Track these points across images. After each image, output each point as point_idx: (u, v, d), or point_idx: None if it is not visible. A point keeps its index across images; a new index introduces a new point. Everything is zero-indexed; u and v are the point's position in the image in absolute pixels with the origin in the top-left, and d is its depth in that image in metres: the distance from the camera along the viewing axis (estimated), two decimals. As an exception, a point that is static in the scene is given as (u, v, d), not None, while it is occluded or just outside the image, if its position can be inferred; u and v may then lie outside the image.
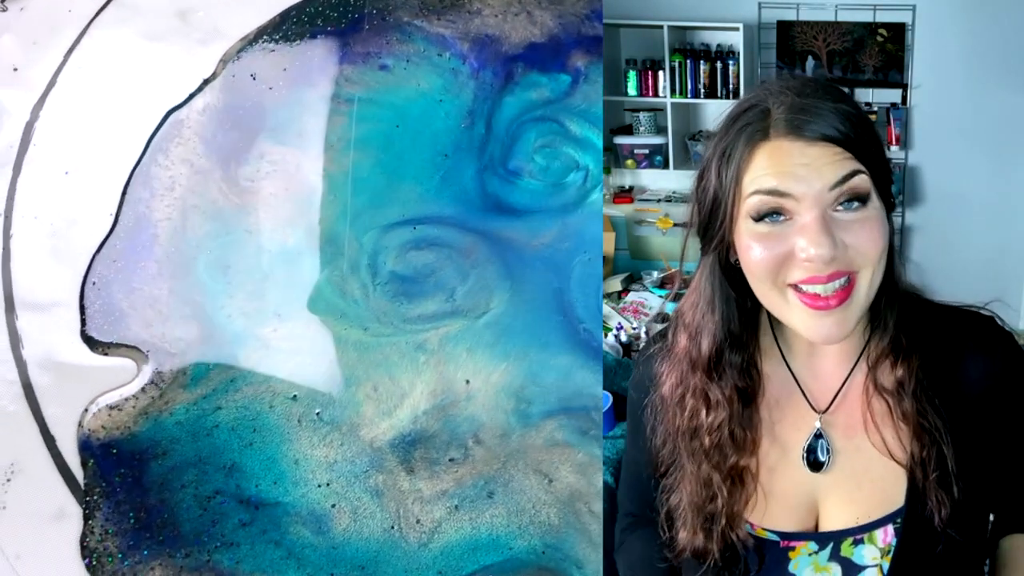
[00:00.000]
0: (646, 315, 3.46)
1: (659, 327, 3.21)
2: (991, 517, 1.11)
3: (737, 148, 0.98)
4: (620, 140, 4.11)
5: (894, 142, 3.56)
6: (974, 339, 1.05)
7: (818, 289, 0.95)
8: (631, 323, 3.38)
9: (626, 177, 4.18)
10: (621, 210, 4.04)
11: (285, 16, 1.43)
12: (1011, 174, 3.68)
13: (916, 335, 1.03)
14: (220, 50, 1.43)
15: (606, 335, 3.21)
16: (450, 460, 1.34)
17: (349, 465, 1.33)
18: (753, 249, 0.97)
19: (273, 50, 1.43)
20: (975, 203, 3.56)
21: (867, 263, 0.96)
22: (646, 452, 1.15)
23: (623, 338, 3.26)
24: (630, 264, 4.00)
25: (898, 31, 3.79)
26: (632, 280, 3.79)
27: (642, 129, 4.11)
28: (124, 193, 1.37)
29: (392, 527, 1.31)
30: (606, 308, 3.40)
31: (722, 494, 1.06)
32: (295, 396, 1.33)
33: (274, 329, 1.35)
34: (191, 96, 1.41)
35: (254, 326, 1.35)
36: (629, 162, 4.12)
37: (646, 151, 4.11)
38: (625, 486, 1.27)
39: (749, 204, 0.97)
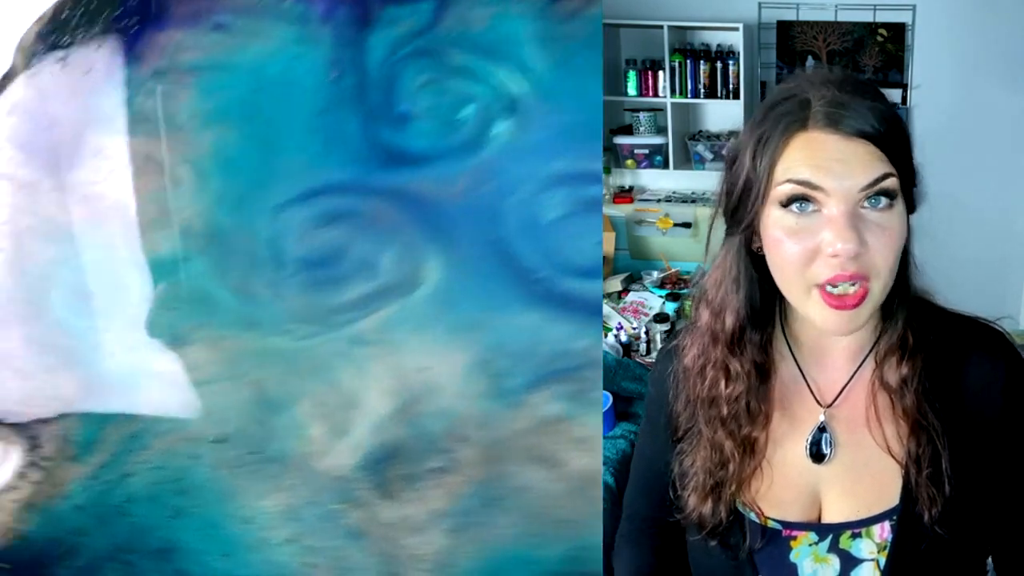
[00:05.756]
0: (646, 315, 3.71)
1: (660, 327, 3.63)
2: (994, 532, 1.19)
3: (774, 136, 1.03)
4: (620, 140, 4.41)
5: (895, 142, 3.87)
6: (980, 347, 1.13)
7: (839, 290, 1.00)
8: (631, 323, 3.65)
9: (626, 177, 4.52)
10: (621, 210, 4.31)
11: (88, -18, 1.21)
12: (1011, 174, 4.06)
13: (923, 336, 1.10)
14: (14, 37, 1.20)
15: (606, 335, 3.52)
16: (433, 470, 1.18)
17: (313, 508, 1.16)
18: (784, 244, 1.03)
19: (79, 26, 1.19)
20: (974, 203, 3.77)
21: (880, 271, 1.01)
22: (667, 417, 1.22)
23: (623, 338, 3.53)
24: (630, 264, 4.27)
25: (898, 31, 4.08)
26: (632, 280, 4.06)
27: (642, 129, 4.38)
28: (-61, 234, 1.15)
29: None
30: (606, 308, 3.71)
31: (734, 460, 1.13)
32: (223, 437, 1.16)
33: (173, 359, 1.17)
34: (-7, 97, 1.19)
35: (146, 361, 1.17)
36: (629, 162, 4.43)
37: (646, 151, 4.39)
38: (634, 486, 1.35)
39: (780, 191, 1.02)
